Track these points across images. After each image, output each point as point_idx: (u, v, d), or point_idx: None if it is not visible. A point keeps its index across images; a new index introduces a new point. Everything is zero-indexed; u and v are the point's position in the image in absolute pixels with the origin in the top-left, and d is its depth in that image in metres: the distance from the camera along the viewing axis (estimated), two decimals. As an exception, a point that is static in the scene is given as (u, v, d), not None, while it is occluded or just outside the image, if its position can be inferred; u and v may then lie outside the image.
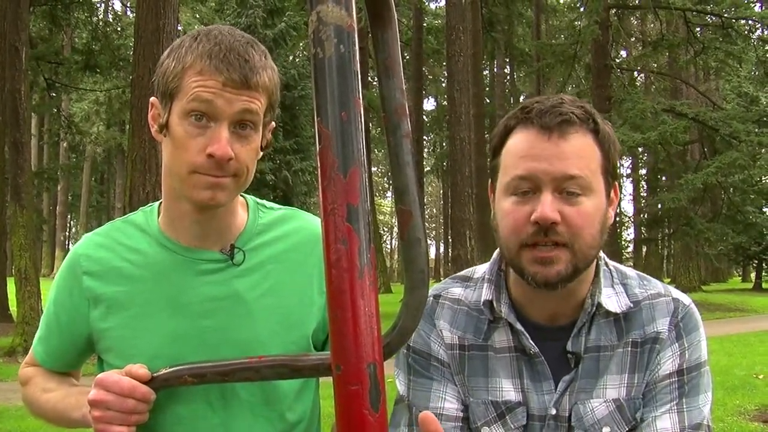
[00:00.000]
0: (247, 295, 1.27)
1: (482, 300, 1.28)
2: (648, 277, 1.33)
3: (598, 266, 1.27)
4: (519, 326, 1.25)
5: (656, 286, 1.30)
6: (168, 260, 1.28)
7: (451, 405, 1.27)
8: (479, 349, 1.28)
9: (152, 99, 1.24)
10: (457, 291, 1.34)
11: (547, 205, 1.15)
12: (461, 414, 1.27)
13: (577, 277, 1.20)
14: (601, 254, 1.29)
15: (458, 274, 1.39)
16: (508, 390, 1.26)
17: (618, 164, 1.26)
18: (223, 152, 1.15)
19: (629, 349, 1.25)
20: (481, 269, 1.36)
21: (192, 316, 1.25)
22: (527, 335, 1.24)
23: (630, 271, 1.33)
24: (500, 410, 1.25)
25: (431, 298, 1.33)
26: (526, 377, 1.25)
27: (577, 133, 1.17)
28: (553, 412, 1.24)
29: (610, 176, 1.22)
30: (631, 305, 1.26)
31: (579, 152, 1.17)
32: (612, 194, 1.24)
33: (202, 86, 1.15)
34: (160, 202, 1.33)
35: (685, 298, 1.30)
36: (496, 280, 1.29)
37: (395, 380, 1.32)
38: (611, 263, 1.32)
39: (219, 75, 1.15)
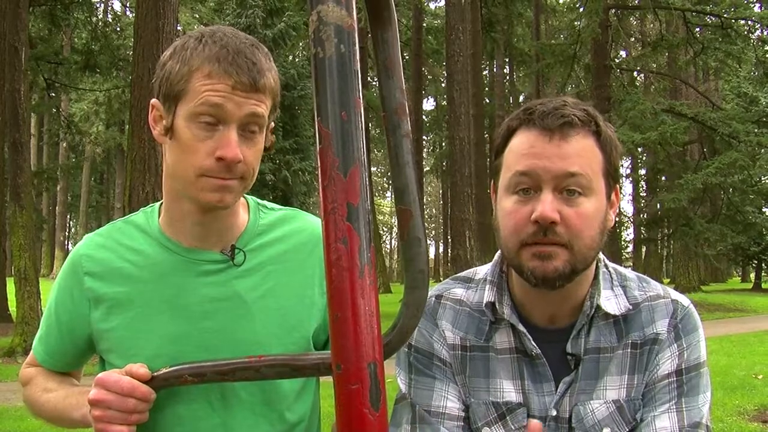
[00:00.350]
0: (247, 296, 1.27)
1: (484, 302, 1.29)
2: (648, 278, 1.33)
3: (597, 268, 1.27)
4: (521, 327, 1.25)
5: (655, 287, 1.31)
6: (169, 261, 1.28)
7: (453, 404, 1.27)
8: (481, 350, 1.29)
9: (153, 101, 1.23)
10: (459, 292, 1.34)
11: (547, 204, 1.15)
12: (463, 414, 1.28)
13: (575, 278, 1.20)
14: (601, 256, 1.29)
15: (460, 274, 1.39)
16: (508, 391, 1.26)
17: (619, 167, 1.26)
18: (233, 155, 1.15)
19: (629, 350, 1.25)
20: (482, 270, 1.36)
21: (192, 317, 1.25)
22: (529, 336, 1.25)
23: (630, 273, 1.33)
24: (501, 411, 1.26)
25: (433, 298, 1.34)
26: (527, 378, 1.26)
27: (579, 135, 1.18)
28: (554, 413, 1.24)
29: (611, 179, 1.22)
30: (630, 307, 1.27)
31: (580, 152, 1.17)
32: (613, 197, 1.24)
33: (212, 90, 1.15)
34: (161, 203, 1.33)
35: (684, 300, 1.30)
36: (498, 281, 1.30)
37: (396, 378, 1.32)
38: (611, 265, 1.32)
39: (228, 78, 1.15)
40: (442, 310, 1.33)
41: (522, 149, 1.20)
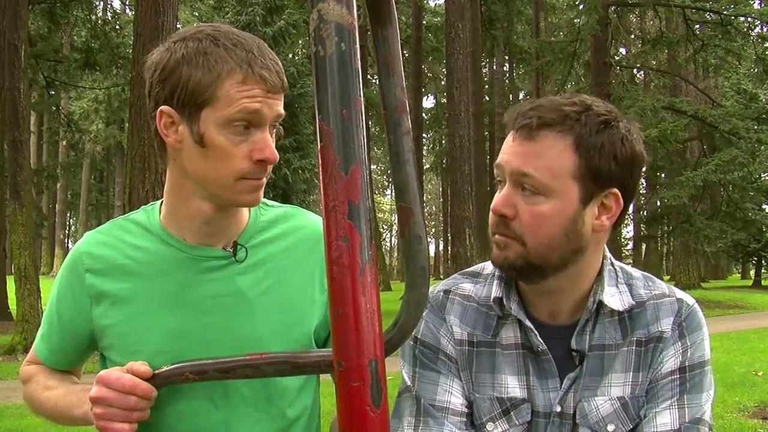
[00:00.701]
0: (249, 292, 1.28)
1: (492, 297, 1.30)
2: (653, 277, 1.34)
3: (603, 266, 1.28)
4: (528, 323, 1.26)
5: (660, 286, 1.32)
6: (171, 257, 1.28)
7: (457, 400, 1.28)
8: (487, 346, 1.29)
9: (164, 108, 1.19)
10: (467, 287, 1.35)
11: (500, 198, 1.20)
12: (466, 410, 1.29)
13: (539, 275, 1.21)
14: (607, 254, 1.30)
15: (467, 269, 1.41)
16: (513, 387, 1.27)
17: (614, 171, 1.18)
18: (274, 157, 1.18)
19: (633, 347, 1.26)
20: (490, 266, 1.36)
21: (194, 313, 1.25)
22: (536, 332, 1.25)
23: (635, 272, 1.34)
24: (505, 406, 1.27)
25: (441, 293, 1.35)
26: (532, 374, 1.27)
27: (545, 136, 1.17)
28: (558, 409, 1.25)
29: (593, 182, 1.18)
30: (634, 304, 1.27)
31: (539, 153, 1.17)
32: (609, 202, 1.21)
33: (249, 96, 1.15)
34: (161, 202, 1.33)
35: (688, 299, 1.31)
36: (506, 277, 1.30)
37: (401, 370, 1.33)
38: (617, 264, 1.33)
39: (264, 83, 1.16)
40: (450, 305, 1.33)
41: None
